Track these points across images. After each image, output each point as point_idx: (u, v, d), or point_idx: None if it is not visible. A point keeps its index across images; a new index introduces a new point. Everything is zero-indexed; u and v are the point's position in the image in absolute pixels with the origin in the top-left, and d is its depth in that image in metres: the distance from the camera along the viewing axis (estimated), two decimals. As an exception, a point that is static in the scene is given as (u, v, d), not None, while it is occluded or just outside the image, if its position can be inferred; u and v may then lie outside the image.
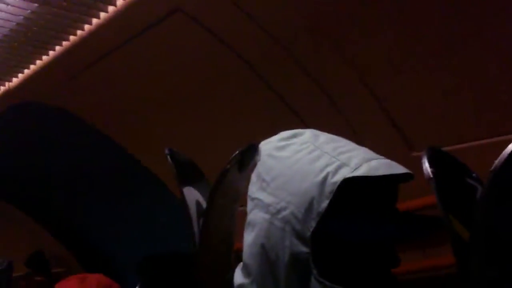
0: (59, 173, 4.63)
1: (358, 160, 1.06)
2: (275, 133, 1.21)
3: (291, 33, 2.93)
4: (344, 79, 2.94)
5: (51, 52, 3.53)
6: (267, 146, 1.14)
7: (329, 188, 1.03)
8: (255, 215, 1.11)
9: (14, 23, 3.23)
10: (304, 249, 1.03)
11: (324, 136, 1.15)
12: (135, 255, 4.54)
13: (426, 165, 1.72)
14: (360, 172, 1.03)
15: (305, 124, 3.09)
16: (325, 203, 1.02)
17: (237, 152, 0.99)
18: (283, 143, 1.15)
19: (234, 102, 3.39)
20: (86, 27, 3.29)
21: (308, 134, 1.16)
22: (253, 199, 1.13)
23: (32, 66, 3.69)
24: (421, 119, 2.91)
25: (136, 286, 4.07)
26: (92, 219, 4.97)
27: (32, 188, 4.93)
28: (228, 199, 1.01)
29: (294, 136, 1.16)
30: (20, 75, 3.79)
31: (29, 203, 5.07)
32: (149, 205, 4.57)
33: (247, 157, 1.00)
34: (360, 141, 1.17)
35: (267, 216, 1.08)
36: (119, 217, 4.78)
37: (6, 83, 3.87)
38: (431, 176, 1.70)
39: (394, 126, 2.92)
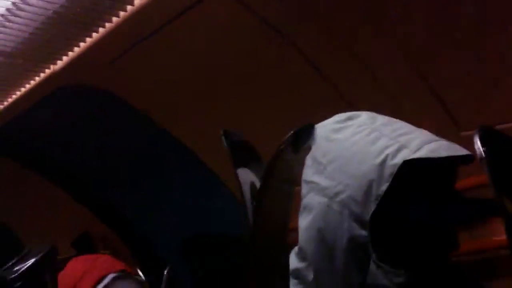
0: (101, 153, 4.66)
1: (418, 142, 1.04)
2: (320, 115, 1.19)
3: (334, 12, 2.90)
4: (390, 60, 2.90)
5: (94, 34, 3.53)
6: (322, 129, 1.12)
7: (388, 170, 1.01)
8: (311, 199, 1.09)
9: (58, 5, 3.23)
10: (363, 232, 1.02)
11: (381, 118, 1.13)
12: (176, 236, 4.59)
13: (478, 144, 1.68)
14: (420, 154, 1.02)
15: (351, 106, 3.07)
16: (384, 186, 1.01)
17: (291, 133, 0.97)
18: (339, 125, 1.13)
19: (281, 84, 3.37)
20: (129, 8, 3.28)
21: (364, 116, 1.14)
22: (308, 182, 1.11)
23: (76, 49, 3.70)
24: (468, 98, 2.86)
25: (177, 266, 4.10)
26: (132, 201, 5.01)
27: (74, 168, 4.98)
28: (283, 181, 0.99)
29: (350, 118, 1.14)
30: (64, 57, 3.79)
31: (70, 183, 5.12)
32: (190, 186, 4.58)
33: (302, 138, 0.98)
34: (408, 122, 1.15)
35: (324, 200, 1.07)
36: (159, 199, 4.81)
37: (51, 66, 3.87)
38: (484, 155, 1.66)
39: (442, 106, 2.88)
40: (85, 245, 5.11)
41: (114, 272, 2.19)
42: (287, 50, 3.17)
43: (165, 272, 3.50)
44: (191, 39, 3.39)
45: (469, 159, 1.08)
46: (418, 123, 1.15)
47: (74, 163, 4.93)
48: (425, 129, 1.12)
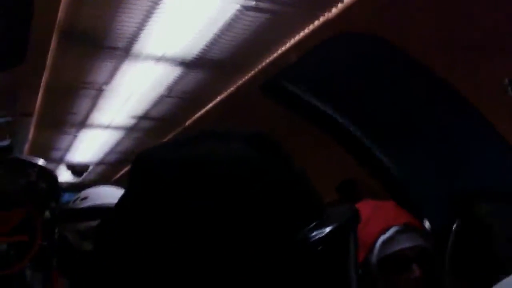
0: (376, 104, 4.54)
1: None
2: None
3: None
4: None
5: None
6: None
7: None
8: None
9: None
10: None
11: None
12: (439, 191, 4.39)
13: None
14: None
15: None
16: None
17: None
18: None
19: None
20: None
21: None
22: None
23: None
24: None
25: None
26: (401, 155, 4.86)
27: (349, 117, 4.90)
28: None
29: None
30: (339, 5, 3.75)
31: (342, 132, 5.07)
32: (463, 139, 4.32)
33: None
34: None
35: None
36: (429, 151, 4.61)
37: (326, 14, 3.86)
38: None
39: None
40: (349, 191, 5.15)
41: (397, 225, 2.24)
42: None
43: (454, 225, 3.39)
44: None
45: None
46: None
47: (348, 112, 4.87)
48: None
